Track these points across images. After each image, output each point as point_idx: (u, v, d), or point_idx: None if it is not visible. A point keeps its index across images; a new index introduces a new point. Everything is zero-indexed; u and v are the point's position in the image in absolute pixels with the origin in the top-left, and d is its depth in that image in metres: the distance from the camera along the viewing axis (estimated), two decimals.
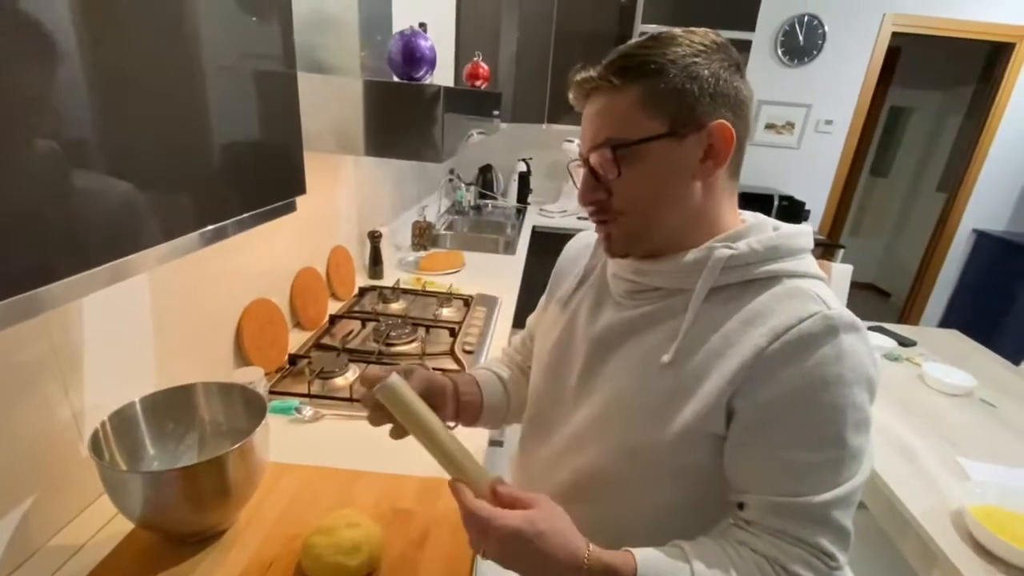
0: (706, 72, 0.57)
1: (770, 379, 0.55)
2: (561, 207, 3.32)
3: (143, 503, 0.65)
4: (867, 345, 0.56)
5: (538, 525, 0.52)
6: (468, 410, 0.78)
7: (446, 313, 1.60)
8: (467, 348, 1.37)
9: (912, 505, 1.08)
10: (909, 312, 3.98)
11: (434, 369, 1.21)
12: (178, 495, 0.66)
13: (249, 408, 0.81)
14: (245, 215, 0.64)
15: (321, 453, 0.95)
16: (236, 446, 0.67)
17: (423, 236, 2.29)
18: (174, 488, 0.65)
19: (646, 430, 0.61)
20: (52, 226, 0.40)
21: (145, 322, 0.89)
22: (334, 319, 1.47)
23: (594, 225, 0.67)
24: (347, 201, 1.77)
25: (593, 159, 0.61)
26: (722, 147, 0.58)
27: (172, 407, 0.80)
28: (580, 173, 0.66)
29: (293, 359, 1.22)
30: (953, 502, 1.10)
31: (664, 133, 0.58)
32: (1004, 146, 3.45)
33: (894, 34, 3.26)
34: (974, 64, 4.10)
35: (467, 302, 1.68)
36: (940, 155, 4.48)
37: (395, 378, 0.60)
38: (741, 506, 0.59)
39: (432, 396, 0.69)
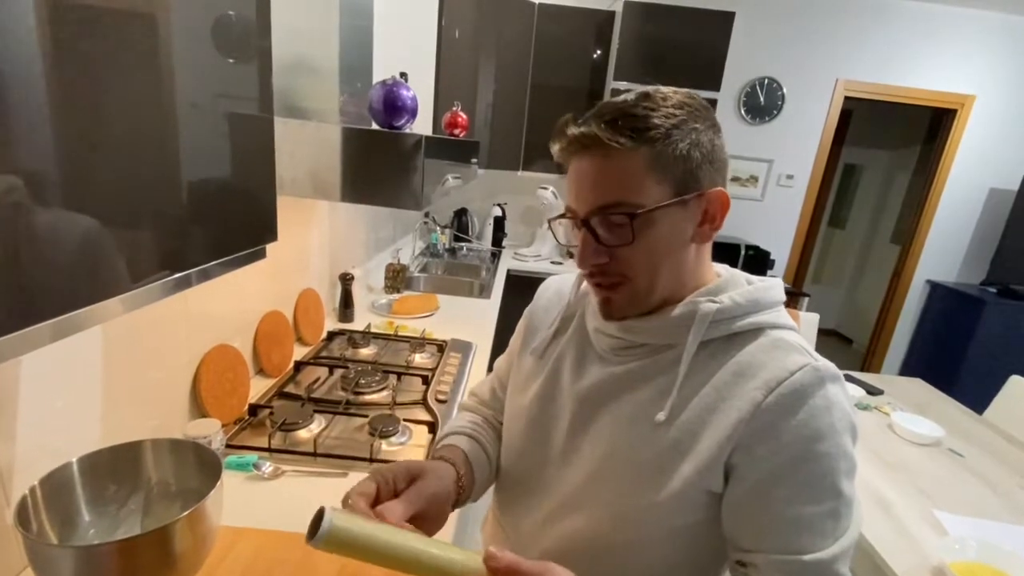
0: (705, 139, 0.57)
1: (768, 433, 0.54)
2: (535, 251, 3.34)
3: None
4: (847, 394, 0.57)
5: None
6: (458, 499, 0.68)
7: (419, 359, 1.55)
8: (440, 397, 1.32)
9: (895, 563, 1.06)
10: (871, 359, 4.09)
11: (405, 420, 1.16)
12: (114, 571, 0.58)
13: (203, 467, 0.73)
14: (213, 262, 0.60)
15: (280, 515, 0.87)
16: (184, 514, 0.61)
17: (397, 278, 2.25)
18: (110, 564, 0.58)
19: (642, 491, 0.59)
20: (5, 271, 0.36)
21: (94, 366, 0.82)
22: (300, 365, 1.40)
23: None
24: (320, 242, 1.73)
25: (598, 222, 0.58)
26: (719, 212, 0.59)
27: (115, 467, 0.72)
28: (565, 230, 0.64)
29: (253, 409, 1.15)
30: (933, 558, 1.09)
31: (674, 200, 0.57)
32: (951, 203, 3.67)
33: (846, 98, 3.49)
34: (919, 127, 4.41)
35: (441, 347, 1.64)
36: (891, 210, 4.74)
37: (327, 522, 0.43)
38: (743, 563, 0.57)
39: (435, 506, 0.59)
